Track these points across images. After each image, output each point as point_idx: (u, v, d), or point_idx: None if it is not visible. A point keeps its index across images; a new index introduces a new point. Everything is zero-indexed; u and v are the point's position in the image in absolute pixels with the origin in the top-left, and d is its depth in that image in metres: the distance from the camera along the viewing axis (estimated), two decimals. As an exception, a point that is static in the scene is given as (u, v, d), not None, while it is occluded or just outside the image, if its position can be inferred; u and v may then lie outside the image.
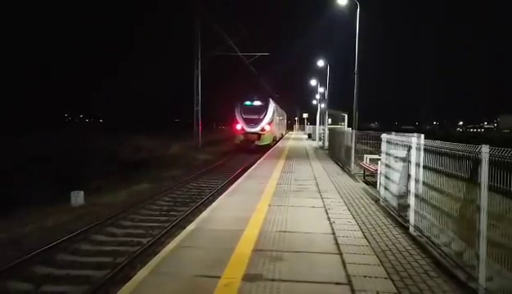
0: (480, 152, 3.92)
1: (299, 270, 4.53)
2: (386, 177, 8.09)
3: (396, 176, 7.23)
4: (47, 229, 8.89)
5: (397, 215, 7.06)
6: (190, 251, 5.23)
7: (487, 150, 3.83)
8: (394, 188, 7.35)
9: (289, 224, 6.65)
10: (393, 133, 8.11)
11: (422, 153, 5.78)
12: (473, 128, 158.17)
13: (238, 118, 29.55)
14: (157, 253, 5.56)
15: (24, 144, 22.51)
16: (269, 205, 8.14)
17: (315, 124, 39.35)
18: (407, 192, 6.35)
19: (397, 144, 7.28)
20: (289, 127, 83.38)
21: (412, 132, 6.83)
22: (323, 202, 8.65)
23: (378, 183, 9.28)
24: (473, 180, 4.10)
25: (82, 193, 11.64)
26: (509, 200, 3.59)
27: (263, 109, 30.02)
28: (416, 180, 5.98)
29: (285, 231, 6.18)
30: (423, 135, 6.03)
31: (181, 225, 8.73)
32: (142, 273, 4.44)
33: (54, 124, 50.18)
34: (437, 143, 5.16)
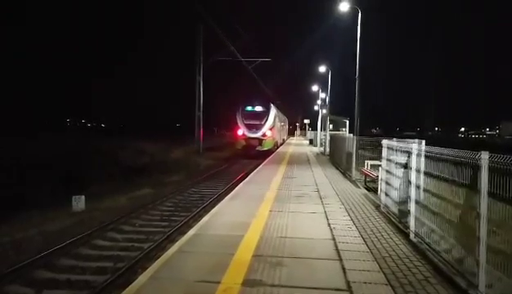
0: (480, 158, 3.94)
1: (299, 276, 4.53)
2: (387, 183, 8.09)
3: (396, 182, 7.24)
4: (49, 234, 8.91)
5: (398, 221, 7.05)
6: (191, 256, 5.24)
7: (487, 157, 3.85)
8: (395, 194, 7.35)
9: (290, 229, 6.66)
10: (395, 139, 8.11)
11: (423, 159, 5.80)
12: (476, 134, 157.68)
13: (239, 123, 29.60)
14: (158, 258, 5.57)
15: (24, 148, 22.56)
16: (270, 210, 8.15)
17: (316, 130, 39.38)
18: (408, 198, 6.36)
19: (398, 150, 7.29)
20: (291, 133, 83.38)
21: (414, 138, 6.83)
22: (324, 207, 8.64)
23: (379, 189, 9.28)
24: (473, 186, 4.11)
25: (83, 197, 11.66)
26: (509, 207, 3.59)
27: (265, 115, 30.06)
28: (417, 187, 5.99)
29: (285, 237, 6.18)
30: (424, 142, 6.04)
31: (182, 231, 8.75)
32: (143, 278, 4.45)
33: (55, 128, 50.34)
34: (438, 149, 5.18)
